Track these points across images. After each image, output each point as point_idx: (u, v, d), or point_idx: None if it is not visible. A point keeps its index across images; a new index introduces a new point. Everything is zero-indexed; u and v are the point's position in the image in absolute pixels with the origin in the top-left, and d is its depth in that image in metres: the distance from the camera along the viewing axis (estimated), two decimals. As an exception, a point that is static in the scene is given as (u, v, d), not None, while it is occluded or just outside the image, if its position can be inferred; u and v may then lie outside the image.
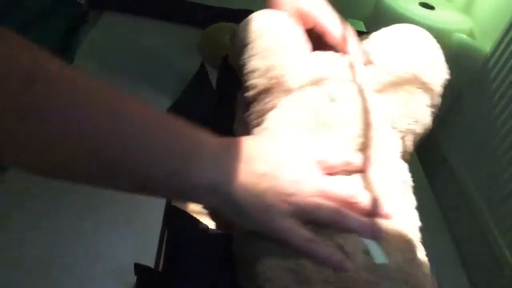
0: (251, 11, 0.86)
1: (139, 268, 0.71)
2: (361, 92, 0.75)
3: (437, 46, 0.83)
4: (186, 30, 1.40)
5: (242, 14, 0.88)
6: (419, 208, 0.73)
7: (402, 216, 0.67)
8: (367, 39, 0.87)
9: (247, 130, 0.81)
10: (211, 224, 0.88)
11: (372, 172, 0.67)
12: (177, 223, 0.77)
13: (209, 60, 1.22)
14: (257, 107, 0.78)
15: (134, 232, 0.85)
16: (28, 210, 0.84)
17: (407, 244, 0.64)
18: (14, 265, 0.75)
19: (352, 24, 0.95)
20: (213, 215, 0.88)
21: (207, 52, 1.28)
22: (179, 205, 0.87)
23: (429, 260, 0.66)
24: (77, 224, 0.84)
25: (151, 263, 0.80)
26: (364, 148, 0.68)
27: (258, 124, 0.78)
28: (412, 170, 0.76)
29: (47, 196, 0.86)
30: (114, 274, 0.78)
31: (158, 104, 1.14)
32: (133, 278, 0.76)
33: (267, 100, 0.78)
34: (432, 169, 1.29)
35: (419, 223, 0.70)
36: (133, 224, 0.87)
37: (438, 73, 0.81)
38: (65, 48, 0.88)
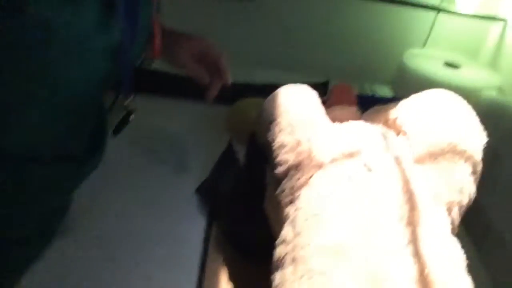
0: (277, 86, 0.85)
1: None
2: (398, 162, 0.70)
3: (470, 109, 0.79)
4: (213, 108, 1.41)
5: (268, 89, 0.87)
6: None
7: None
8: (396, 107, 0.84)
9: (278, 209, 0.76)
10: None
11: (421, 249, 0.60)
12: None
13: (237, 137, 1.21)
14: (288, 184, 0.74)
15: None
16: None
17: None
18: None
19: (379, 89, 0.93)
20: None
21: (234, 129, 1.28)
22: None
23: None
24: None
25: None
26: (412, 223, 0.62)
27: (291, 202, 0.73)
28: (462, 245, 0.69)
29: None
30: None
31: (187, 184, 1.12)
32: None
33: (298, 176, 0.73)
34: (479, 238, 1.19)
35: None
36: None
37: (477, 139, 0.76)
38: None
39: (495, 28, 1.62)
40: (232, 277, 0.90)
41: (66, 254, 0.90)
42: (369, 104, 0.97)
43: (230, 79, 1.15)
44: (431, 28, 1.71)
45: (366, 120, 0.88)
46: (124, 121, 0.98)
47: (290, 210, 0.72)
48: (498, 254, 1.16)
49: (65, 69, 0.61)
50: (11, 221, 0.74)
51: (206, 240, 0.98)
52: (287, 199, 0.74)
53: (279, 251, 0.69)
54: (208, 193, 1.07)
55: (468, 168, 0.75)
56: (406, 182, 0.66)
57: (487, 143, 0.77)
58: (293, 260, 0.64)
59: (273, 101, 0.81)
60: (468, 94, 0.85)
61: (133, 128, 1.33)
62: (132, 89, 0.90)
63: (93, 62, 0.65)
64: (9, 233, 0.75)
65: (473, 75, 1.51)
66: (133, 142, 1.25)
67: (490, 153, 1.26)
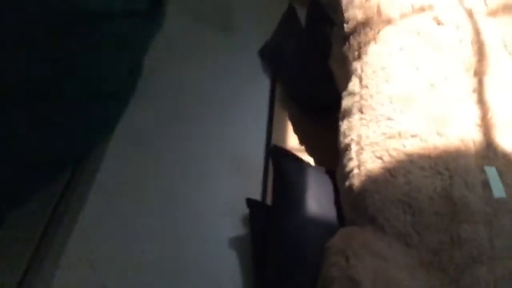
0: None
1: (251, 202, 0.75)
2: (471, 15, 0.70)
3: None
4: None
5: None
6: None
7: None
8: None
9: (345, 64, 0.80)
10: (311, 161, 0.91)
11: (486, 96, 0.64)
12: (281, 161, 0.80)
13: (297, -1, 1.19)
14: (356, 40, 0.76)
15: (241, 172, 0.91)
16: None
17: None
18: (140, 204, 0.84)
19: None
20: (312, 152, 0.90)
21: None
22: (280, 144, 0.90)
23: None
24: (192, 167, 0.91)
25: (258, 198, 0.85)
26: (479, 72, 0.64)
27: (358, 57, 0.76)
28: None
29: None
30: (226, 208, 0.85)
31: (249, 48, 1.15)
32: (242, 211, 0.82)
33: (366, 31, 0.75)
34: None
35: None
36: (240, 164, 0.92)
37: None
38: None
39: None
40: (298, 130, 0.98)
41: (148, 103, 0.99)
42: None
43: None
44: None
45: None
46: None
47: (357, 65, 0.75)
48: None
49: None
50: (101, 78, 0.83)
51: (272, 98, 1.05)
52: (354, 54, 0.77)
53: (346, 101, 0.74)
54: (271, 55, 1.10)
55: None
56: (477, 34, 0.67)
57: None
58: (361, 108, 0.70)
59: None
60: None
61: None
62: None
63: None
64: (101, 86, 0.84)
65: None
66: (190, 8, 1.27)
67: None
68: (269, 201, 0.84)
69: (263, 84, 1.09)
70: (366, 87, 0.71)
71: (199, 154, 0.93)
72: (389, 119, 0.64)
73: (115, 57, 0.85)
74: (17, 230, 0.80)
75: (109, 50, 0.83)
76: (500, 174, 0.59)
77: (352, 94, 0.73)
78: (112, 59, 0.85)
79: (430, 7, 0.71)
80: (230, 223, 0.83)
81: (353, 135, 0.70)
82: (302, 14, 1.13)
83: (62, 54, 0.74)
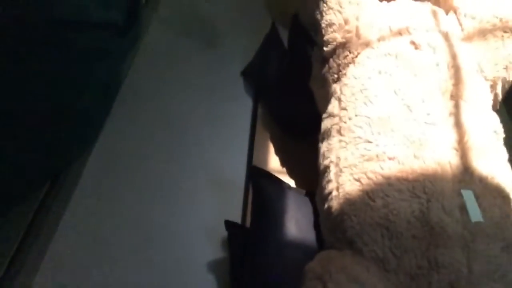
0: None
1: (229, 224, 0.74)
2: (447, 39, 0.71)
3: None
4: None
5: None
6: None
7: (496, 168, 0.64)
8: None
9: (324, 86, 0.80)
10: (291, 183, 0.90)
11: (463, 120, 0.64)
12: (261, 182, 0.79)
13: (279, 19, 1.20)
14: (335, 62, 0.77)
15: (220, 193, 0.89)
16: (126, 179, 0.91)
17: (504, 200, 0.61)
18: (121, 225, 0.82)
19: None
20: (294, 173, 0.89)
21: (276, 11, 1.27)
22: (261, 165, 0.90)
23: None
24: (169, 188, 0.90)
25: (238, 221, 0.84)
26: (455, 96, 0.65)
27: (337, 79, 0.76)
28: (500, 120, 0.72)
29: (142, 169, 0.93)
30: (206, 230, 0.83)
31: (231, 67, 1.15)
32: (220, 234, 0.80)
33: (345, 54, 0.76)
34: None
35: (512, 176, 0.67)
36: (219, 185, 0.91)
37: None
38: None
39: None
40: (279, 151, 0.98)
41: (126, 121, 0.98)
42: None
43: None
44: None
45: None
46: None
47: (337, 87, 0.76)
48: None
49: None
50: (75, 92, 0.82)
51: (254, 119, 1.05)
52: (334, 77, 0.77)
53: (326, 123, 0.74)
54: (253, 75, 1.10)
55: (517, 45, 0.74)
56: (454, 57, 0.68)
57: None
58: (340, 130, 0.70)
59: (321, -22, 0.80)
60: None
61: (175, 12, 1.34)
62: None
63: None
64: (75, 104, 0.82)
65: None
66: (174, 26, 1.27)
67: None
68: (249, 222, 0.83)
69: (245, 104, 1.09)
70: (345, 109, 0.71)
71: (178, 173, 0.92)
72: (367, 141, 0.64)
73: (89, 70, 0.84)
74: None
75: (84, 62, 0.81)
76: (477, 197, 0.59)
77: (331, 116, 0.73)
78: (87, 72, 0.83)
79: (408, 30, 0.72)
80: (209, 245, 0.81)
81: (332, 157, 0.69)
82: (284, 34, 1.14)
83: (36, 66, 0.72)
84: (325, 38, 0.77)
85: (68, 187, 0.89)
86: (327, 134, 0.73)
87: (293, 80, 1.00)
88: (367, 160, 0.64)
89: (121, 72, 0.98)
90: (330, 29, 0.77)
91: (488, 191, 0.60)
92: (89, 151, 0.93)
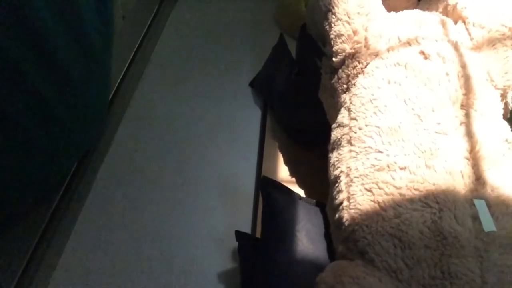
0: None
1: (239, 235, 0.74)
2: (456, 48, 0.71)
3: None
4: (263, 2, 1.39)
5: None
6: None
7: (508, 177, 0.64)
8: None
9: (334, 96, 0.80)
10: (301, 192, 0.90)
11: (474, 129, 0.64)
12: (271, 193, 0.79)
13: (287, 30, 1.21)
14: (344, 72, 0.77)
15: (230, 202, 0.90)
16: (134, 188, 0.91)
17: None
18: (129, 231, 0.83)
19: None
20: (303, 183, 0.89)
21: (284, 22, 1.28)
22: (270, 175, 0.90)
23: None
24: (179, 197, 0.90)
25: (247, 230, 0.84)
26: (466, 105, 0.65)
27: (347, 90, 0.77)
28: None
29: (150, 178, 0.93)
30: (216, 241, 0.83)
31: (241, 78, 1.16)
32: (230, 244, 0.80)
33: (354, 64, 0.76)
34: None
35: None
36: (229, 195, 0.91)
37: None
38: None
39: None
40: (288, 161, 0.98)
41: (138, 130, 0.99)
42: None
43: None
44: None
45: (423, 8, 0.87)
46: None
47: (346, 97, 0.76)
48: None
49: None
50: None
51: (263, 129, 1.05)
52: (343, 87, 0.78)
53: (336, 133, 0.74)
54: (262, 85, 1.11)
55: (527, 54, 0.74)
56: (463, 67, 0.68)
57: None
58: (350, 140, 0.70)
59: (330, -11, 0.80)
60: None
61: (186, 24, 1.36)
62: None
63: None
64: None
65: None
66: (185, 38, 1.29)
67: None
68: (259, 232, 0.83)
69: (255, 114, 1.09)
70: (355, 119, 0.71)
71: (188, 183, 0.93)
72: (378, 151, 0.64)
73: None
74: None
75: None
76: (490, 207, 0.59)
77: (341, 126, 0.73)
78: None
79: (417, 40, 0.73)
80: (219, 255, 0.81)
81: (343, 167, 0.70)
82: (292, 45, 1.14)
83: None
84: (334, 49, 0.77)
85: (81, 195, 0.89)
86: (337, 144, 0.73)
87: (301, 91, 1.01)
88: (378, 170, 0.64)
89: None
90: (339, 40, 0.77)
91: (500, 200, 0.60)
92: (101, 159, 0.94)
